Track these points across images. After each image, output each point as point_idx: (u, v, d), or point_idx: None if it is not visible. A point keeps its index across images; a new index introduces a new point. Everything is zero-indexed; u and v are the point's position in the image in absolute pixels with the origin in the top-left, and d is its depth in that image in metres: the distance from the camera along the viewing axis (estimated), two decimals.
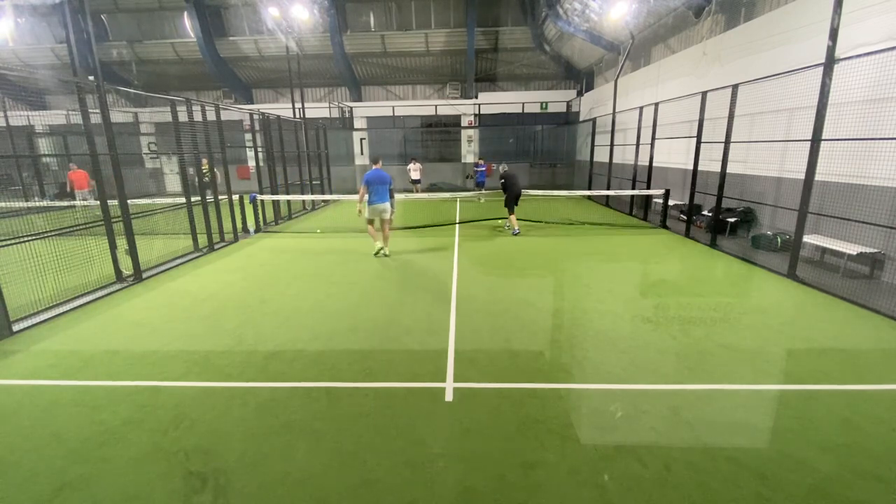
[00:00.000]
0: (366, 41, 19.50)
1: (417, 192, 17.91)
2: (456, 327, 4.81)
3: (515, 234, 9.68)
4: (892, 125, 5.62)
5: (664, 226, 10.37)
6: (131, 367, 4.05)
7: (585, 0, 14.28)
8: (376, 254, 8.00)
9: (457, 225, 11.10)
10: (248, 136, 17.61)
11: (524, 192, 10.14)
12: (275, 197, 11.53)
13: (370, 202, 7.81)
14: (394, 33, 19.32)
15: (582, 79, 20.51)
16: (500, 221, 10.70)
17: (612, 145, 14.01)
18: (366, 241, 9.53)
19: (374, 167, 7.93)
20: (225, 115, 9.91)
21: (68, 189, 12.75)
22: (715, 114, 8.55)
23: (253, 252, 8.70)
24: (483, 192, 16.30)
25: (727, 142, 7.92)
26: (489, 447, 2.91)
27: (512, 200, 9.85)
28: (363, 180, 7.83)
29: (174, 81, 22.53)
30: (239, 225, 10.02)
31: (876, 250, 6.14)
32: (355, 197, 13.20)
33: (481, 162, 17.33)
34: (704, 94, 8.68)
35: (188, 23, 19.34)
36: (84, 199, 12.19)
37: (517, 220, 10.00)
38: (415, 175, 18.02)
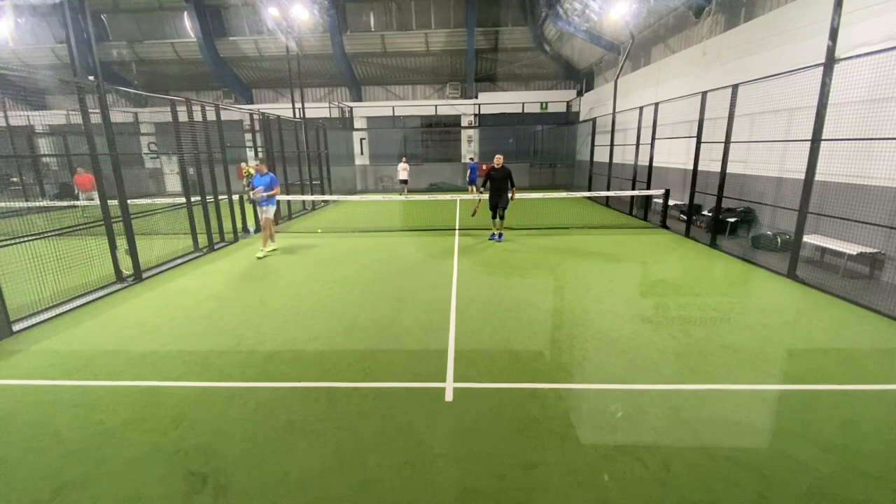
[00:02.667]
0: (366, 41, 19.51)
1: (405, 193, 17.79)
2: (456, 327, 4.81)
3: (495, 240, 9.12)
4: (892, 125, 5.62)
5: (664, 226, 10.37)
6: (131, 367, 4.05)
7: (585, 0, 14.28)
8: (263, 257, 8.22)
9: (457, 225, 11.10)
10: (248, 136, 17.61)
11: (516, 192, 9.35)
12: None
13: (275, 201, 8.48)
14: (394, 33, 19.32)
15: (582, 79, 20.52)
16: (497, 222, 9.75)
17: (612, 145, 14.01)
18: (365, 241, 9.53)
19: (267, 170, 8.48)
20: (225, 115, 9.91)
21: (75, 192, 13.12)
22: (715, 114, 8.56)
23: (253, 252, 8.69)
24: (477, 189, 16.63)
25: (727, 142, 7.92)
26: (489, 447, 2.91)
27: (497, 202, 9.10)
28: (277, 181, 8.50)
29: (174, 81, 22.54)
30: (239, 225, 10.02)
31: (876, 250, 6.14)
32: (355, 197, 13.30)
33: (473, 160, 17.48)
34: (704, 94, 8.68)
35: (188, 23, 19.35)
36: (90, 199, 12.28)
37: (504, 227, 9.45)
38: (403, 175, 17.87)
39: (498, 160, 8.76)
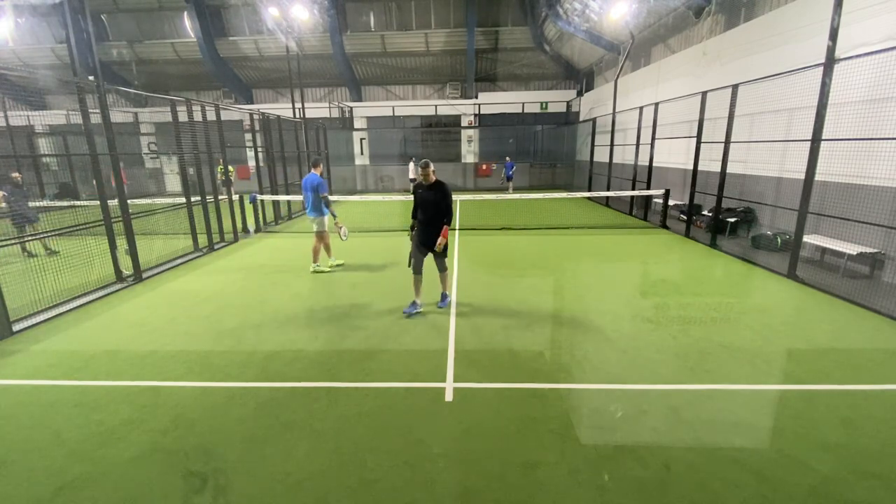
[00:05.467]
0: (366, 41, 19.51)
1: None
2: (456, 327, 4.81)
3: (415, 311, 5.24)
4: (892, 125, 5.62)
5: (664, 226, 10.37)
6: (131, 367, 4.05)
7: (585, 0, 14.28)
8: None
9: (457, 225, 11.10)
10: (248, 136, 17.62)
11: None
12: (275, 197, 11.53)
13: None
14: (394, 33, 19.32)
15: (582, 79, 20.51)
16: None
17: (612, 145, 14.01)
18: (365, 240, 9.53)
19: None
20: (225, 115, 9.91)
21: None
22: (715, 114, 8.55)
23: (253, 252, 8.70)
24: (511, 185, 18.71)
25: (727, 142, 7.92)
26: (489, 447, 2.91)
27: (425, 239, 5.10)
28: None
29: (174, 81, 22.53)
30: (239, 225, 10.02)
31: (876, 250, 6.14)
32: (355, 197, 13.28)
33: (508, 159, 18.65)
34: (704, 94, 8.68)
35: (188, 23, 19.35)
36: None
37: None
38: (412, 174, 19.10)
39: (427, 173, 4.88)
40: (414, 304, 5.27)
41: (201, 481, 2.65)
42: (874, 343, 4.34)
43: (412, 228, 5.19)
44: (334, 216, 6.87)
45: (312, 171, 6.85)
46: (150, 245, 8.03)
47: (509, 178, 18.59)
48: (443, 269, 5.30)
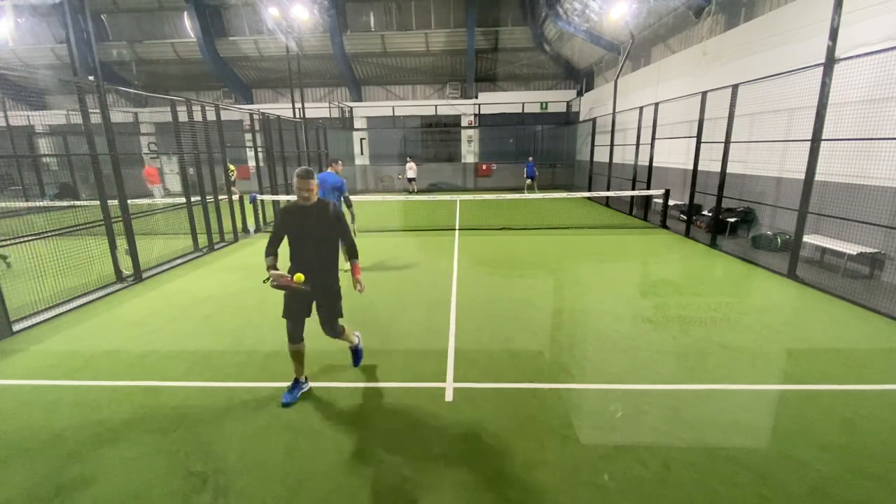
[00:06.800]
0: (366, 41, 19.51)
1: (414, 190, 18.84)
2: (456, 327, 4.81)
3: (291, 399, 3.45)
4: (892, 125, 5.62)
5: (664, 226, 10.37)
6: (131, 367, 4.05)
7: (585, 0, 14.28)
8: None
9: (457, 225, 11.10)
10: (248, 136, 17.62)
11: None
12: (275, 197, 11.52)
13: None
14: (394, 33, 19.33)
15: (582, 79, 20.51)
16: None
17: (612, 145, 14.02)
18: (365, 241, 9.52)
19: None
20: (225, 115, 9.90)
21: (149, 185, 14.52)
22: (715, 114, 8.55)
23: (253, 252, 8.69)
24: (534, 184, 18.40)
25: (727, 142, 7.92)
26: (489, 447, 2.91)
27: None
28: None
29: (174, 81, 22.53)
30: (239, 225, 10.02)
31: (876, 250, 6.14)
32: (355, 197, 13.24)
33: (530, 159, 18.58)
34: (704, 94, 8.68)
35: (188, 23, 19.36)
36: (160, 195, 12.66)
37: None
38: (410, 174, 19.12)
39: (308, 186, 3.11)
40: (297, 383, 3.47)
41: (201, 481, 2.65)
42: (874, 343, 4.34)
43: (271, 267, 3.14)
44: (353, 216, 6.68)
45: (330, 169, 6.46)
46: (150, 245, 8.03)
47: (530, 177, 18.41)
48: (336, 332, 3.52)
